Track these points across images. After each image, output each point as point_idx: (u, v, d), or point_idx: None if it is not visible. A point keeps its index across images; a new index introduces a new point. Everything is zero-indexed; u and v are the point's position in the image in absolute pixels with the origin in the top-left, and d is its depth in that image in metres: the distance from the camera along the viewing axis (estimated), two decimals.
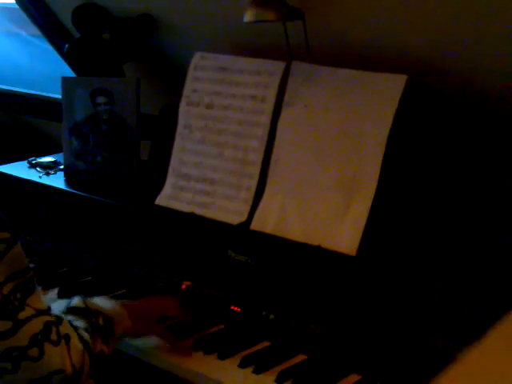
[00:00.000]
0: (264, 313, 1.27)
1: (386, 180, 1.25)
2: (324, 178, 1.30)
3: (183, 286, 1.38)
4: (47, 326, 0.99)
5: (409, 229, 1.24)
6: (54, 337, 0.99)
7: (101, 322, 1.11)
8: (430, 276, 1.15)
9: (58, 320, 1.02)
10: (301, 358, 1.21)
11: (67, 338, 1.02)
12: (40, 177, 1.69)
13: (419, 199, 1.26)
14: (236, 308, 1.31)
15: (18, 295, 0.97)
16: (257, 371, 1.16)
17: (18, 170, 1.72)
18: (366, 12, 1.35)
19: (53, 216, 1.60)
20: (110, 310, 1.15)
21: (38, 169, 1.74)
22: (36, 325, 0.98)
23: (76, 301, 1.13)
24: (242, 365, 1.18)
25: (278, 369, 1.16)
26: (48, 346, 0.98)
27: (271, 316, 1.26)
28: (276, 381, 1.14)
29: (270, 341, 1.25)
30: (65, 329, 1.02)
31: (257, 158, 1.39)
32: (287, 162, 1.35)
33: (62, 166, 1.72)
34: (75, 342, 1.03)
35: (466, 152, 1.27)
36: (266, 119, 1.39)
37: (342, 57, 1.43)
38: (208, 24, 1.63)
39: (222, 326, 1.30)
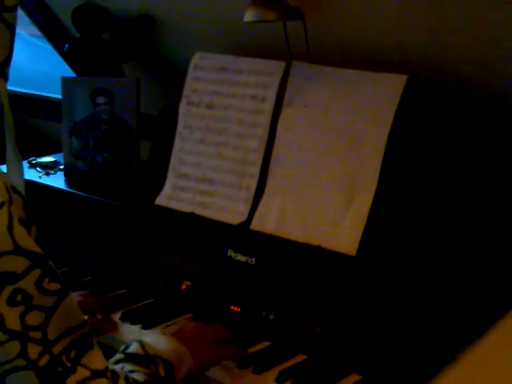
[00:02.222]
0: (264, 313, 1.27)
1: (386, 180, 1.25)
2: (324, 178, 1.30)
3: (183, 286, 1.38)
4: None
5: (409, 229, 1.24)
6: None
7: (161, 371, 0.99)
8: (430, 276, 1.15)
9: (115, 379, 0.89)
10: (301, 357, 1.21)
11: None
12: (40, 177, 1.69)
13: (419, 199, 1.26)
14: (236, 308, 1.31)
15: (73, 354, 0.85)
16: (257, 371, 1.16)
17: None
18: (365, 12, 1.35)
19: (53, 216, 1.60)
20: (170, 353, 1.03)
21: (38, 169, 1.74)
22: None
23: (135, 346, 1.01)
24: (242, 365, 1.18)
25: (278, 369, 1.16)
26: None
27: (271, 316, 1.26)
28: (276, 381, 1.14)
29: (270, 341, 1.25)
30: None
31: (257, 158, 1.39)
32: (287, 162, 1.35)
33: (61, 166, 1.72)
34: None
35: (467, 152, 1.27)
36: (265, 119, 1.39)
37: (342, 57, 1.43)
38: (208, 24, 1.63)
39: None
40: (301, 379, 1.14)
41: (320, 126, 1.33)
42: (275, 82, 1.39)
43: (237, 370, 1.17)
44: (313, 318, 1.22)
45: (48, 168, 1.74)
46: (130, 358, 0.99)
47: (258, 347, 1.24)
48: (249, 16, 1.34)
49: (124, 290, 1.46)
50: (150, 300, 1.41)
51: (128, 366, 0.97)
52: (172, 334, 1.10)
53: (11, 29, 0.89)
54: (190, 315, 1.34)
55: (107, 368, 0.89)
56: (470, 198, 1.24)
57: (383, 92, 1.27)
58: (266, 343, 1.25)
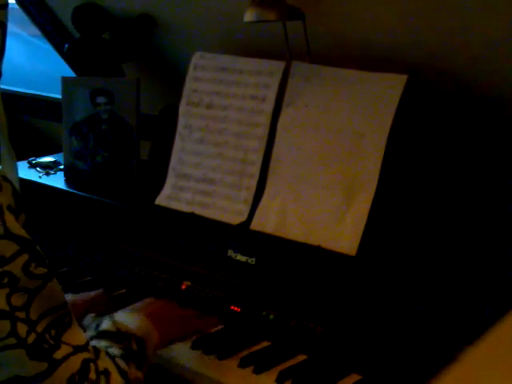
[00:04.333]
0: (264, 313, 1.27)
1: (386, 180, 1.25)
2: (324, 178, 1.30)
3: (183, 286, 1.38)
4: (85, 364, 0.92)
5: (409, 229, 1.24)
6: (92, 375, 0.92)
7: (134, 346, 1.04)
8: (430, 276, 1.15)
9: (96, 353, 0.95)
10: (301, 358, 1.21)
11: (107, 373, 0.95)
12: (40, 177, 1.69)
13: (419, 199, 1.26)
14: (236, 308, 1.31)
15: (53, 332, 0.89)
16: (257, 371, 1.16)
17: (18, 170, 1.71)
18: (366, 12, 1.35)
19: (52, 216, 1.60)
20: (140, 329, 1.08)
21: (38, 169, 1.74)
22: (73, 364, 0.91)
23: (106, 324, 1.06)
24: (242, 365, 1.18)
25: (278, 369, 1.16)
26: None
27: (271, 316, 1.26)
28: (276, 381, 1.14)
29: (270, 341, 1.25)
30: (104, 363, 0.95)
31: (257, 157, 1.39)
32: (287, 161, 1.35)
33: (62, 166, 1.72)
34: (115, 376, 0.96)
35: (467, 152, 1.27)
36: (265, 119, 1.39)
37: (342, 57, 1.43)
38: (208, 24, 1.63)
39: (222, 326, 1.30)
40: (301, 379, 1.14)
41: (320, 126, 1.33)
42: (275, 82, 1.39)
43: (237, 370, 1.17)
44: (313, 317, 1.22)
45: (48, 168, 1.74)
46: (103, 335, 1.04)
47: (258, 347, 1.24)
48: (249, 16, 1.34)
49: (124, 290, 1.46)
50: None
51: (103, 342, 1.02)
52: (139, 310, 1.15)
53: (3, 27, 0.91)
54: None
55: (88, 343, 0.95)
56: (470, 198, 1.24)
57: (383, 92, 1.27)
58: (266, 343, 1.25)
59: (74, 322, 0.93)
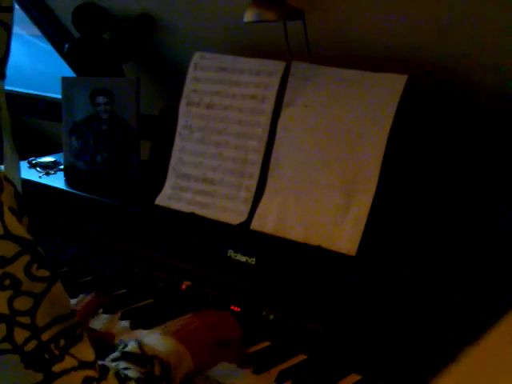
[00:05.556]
0: (264, 313, 1.27)
1: (386, 180, 1.25)
2: (324, 178, 1.30)
3: (183, 286, 1.38)
4: (86, 382, 0.85)
5: (409, 229, 1.24)
6: None
7: (157, 371, 0.97)
8: (430, 276, 1.15)
9: (103, 373, 0.88)
10: (301, 358, 1.21)
11: None
12: (40, 177, 1.69)
13: (419, 199, 1.26)
14: (236, 308, 1.31)
15: (62, 343, 0.84)
16: (257, 371, 1.16)
17: None
18: (366, 12, 1.35)
19: (52, 216, 1.60)
20: (167, 354, 1.01)
21: (38, 169, 1.74)
22: (73, 380, 0.84)
23: (132, 345, 1.00)
24: (242, 365, 1.18)
25: (278, 369, 1.16)
26: None
27: (271, 316, 1.26)
28: (276, 381, 1.14)
29: (270, 341, 1.25)
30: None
31: (257, 158, 1.39)
32: (287, 161, 1.35)
33: (62, 166, 1.72)
34: None
35: (467, 152, 1.27)
36: (265, 119, 1.39)
37: (342, 57, 1.43)
38: (208, 24, 1.63)
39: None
40: (301, 379, 1.14)
41: (320, 126, 1.33)
42: (275, 82, 1.39)
43: (237, 370, 1.17)
44: (313, 318, 1.22)
45: (48, 168, 1.74)
46: (125, 356, 0.98)
47: (258, 347, 1.24)
48: (249, 16, 1.34)
49: (124, 290, 1.46)
50: (150, 300, 1.41)
51: (123, 364, 0.96)
52: (172, 332, 1.08)
53: (8, 29, 0.90)
54: None
55: (96, 361, 0.88)
56: (470, 199, 1.24)
57: (383, 92, 1.27)
58: (266, 343, 1.25)
59: (85, 336, 0.89)
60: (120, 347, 1.01)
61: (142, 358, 0.98)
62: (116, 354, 0.99)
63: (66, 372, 0.84)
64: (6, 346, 0.82)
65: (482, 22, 1.22)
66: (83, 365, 0.86)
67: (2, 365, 0.82)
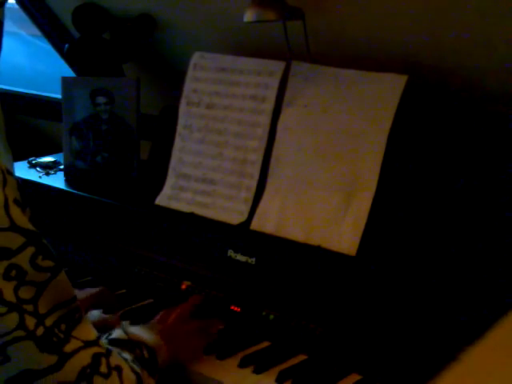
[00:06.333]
0: (264, 313, 1.27)
1: (386, 180, 1.25)
2: (324, 178, 1.30)
3: (183, 286, 1.38)
4: (96, 358, 0.92)
5: (409, 229, 1.24)
6: (104, 369, 0.92)
7: (145, 354, 1.05)
8: (430, 276, 1.15)
9: (108, 351, 0.95)
10: (301, 358, 1.21)
11: (119, 369, 0.95)
12: (40, 177, 1.69)
13: (419, 199, 1.26)
14: (236, 308, 1.31)
15: (63, 327, 0.89)
16: (257, 371, 1.16)
17: (18, 169, 1.70)
18: (366, 12, 1.35)
19: (52, 216, 1.60)
20: (151, 341, 1.09)
21: (38, 169, 1.74)
22: (84, 357, 0.90)
23: (117, 332, 1.06)
24: (242, 365, 1.18)
25: (278, 369, 1.16)
26: (98, 380, 0.91)
27: (271, 316, 1.26)
28: (276, 381, 1.14)
29: (270, 341, 1.25)
30: (115, 360, 0.95)
31: (257, 157, 1.39)
32: (287, 162, 1.35)
33: (62, 166, 1.72)
34: (128, 373, 0.96)
35: (467, 152, 1.27)
36: (265, 119, 1.39)
37: (342, 57, 1.43)
38: (208, 24, 1.63)
39: (222, 326, 1.30)
40: (301, 379, 1.14)
41: (320, 126, 1.33)
42: (275, 82, 1.39)
43: (237, 370, 1.17)
44: (313, 318, 1.22)
45: (48, 168, 1.74)
46: (114, 342, 1.03)
47: (258, 347, 1.24)
48: (249, 16, 1.34)
49: (124, 290, 1.46)
50: (150, 300, 1.41)
51: (115, 349, 1.00)
52: (150, 327, 1.14)
53: (0, 25, 0.91)
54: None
55: (98, 339, 0.94)
56: (470, 198, 1.24)
57: (383, 92, 1.27)
58: (266, 343, 1.25)
59: (85, 318, 0.94)
60: (104, 336, 1.06)
61: (130, 343, 1.04)
62: (103, 341, 1.02)
63: (76, 351, 0.90)
64: (21, 333, 0.85)
65: (483, 22, 1.22)
66: (88, 343, 0.92)
67: (19, 352, 0.86)
